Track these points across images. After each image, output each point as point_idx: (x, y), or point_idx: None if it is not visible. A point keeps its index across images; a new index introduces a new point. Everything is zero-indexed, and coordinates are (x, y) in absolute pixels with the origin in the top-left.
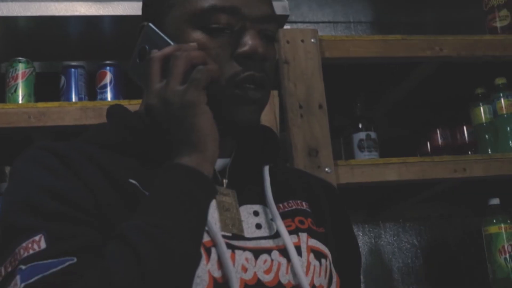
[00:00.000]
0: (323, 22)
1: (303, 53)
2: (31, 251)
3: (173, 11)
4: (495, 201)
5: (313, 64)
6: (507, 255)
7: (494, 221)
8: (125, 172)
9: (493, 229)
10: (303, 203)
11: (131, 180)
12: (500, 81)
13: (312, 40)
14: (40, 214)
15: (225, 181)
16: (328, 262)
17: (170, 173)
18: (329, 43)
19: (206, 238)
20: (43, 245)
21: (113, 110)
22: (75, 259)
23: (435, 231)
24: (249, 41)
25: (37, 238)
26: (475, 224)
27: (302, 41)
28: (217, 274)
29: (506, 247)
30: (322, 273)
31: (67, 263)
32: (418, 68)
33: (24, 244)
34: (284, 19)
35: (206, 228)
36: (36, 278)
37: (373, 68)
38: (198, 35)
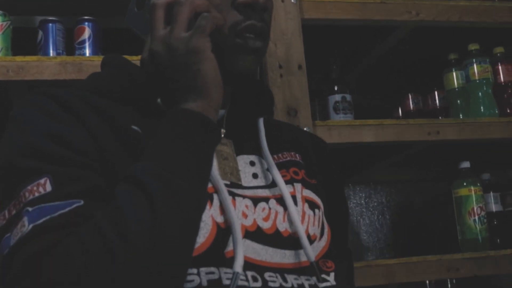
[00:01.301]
0: None
1: (283, 13)
2: (36, 194)
3: None
4: (466, 164)
5: (293, 25)
6: (476, 217)
7: (465, 183)
8: (127, 119)
9: (463, 191)
10: (297, 155)
11: (134, 127)
12: (473, 47)
13: (293, 1)
14: (44, 157)
15: (223, 130)
16: (320, 213)
17: (177, 118)
18: (309, 4)
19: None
20: (48, 187)
21: (110, 60)
22: (82, 202)
23: (404, 194)
24: None
25: (42, 181)
26: (444, 188)
27: (283, 1)
28: (219, 219)
29: (475, 209)
30: (316, 222)
31: (74, 205)
32: (395, 33)
33: (29, 187)
34: None
35: None
36: (44, 219)
37: (350, 32)
38: None
